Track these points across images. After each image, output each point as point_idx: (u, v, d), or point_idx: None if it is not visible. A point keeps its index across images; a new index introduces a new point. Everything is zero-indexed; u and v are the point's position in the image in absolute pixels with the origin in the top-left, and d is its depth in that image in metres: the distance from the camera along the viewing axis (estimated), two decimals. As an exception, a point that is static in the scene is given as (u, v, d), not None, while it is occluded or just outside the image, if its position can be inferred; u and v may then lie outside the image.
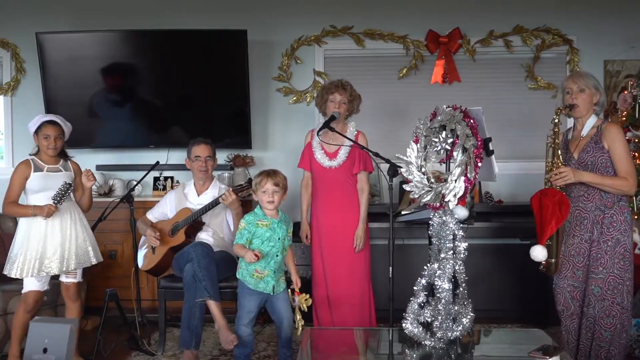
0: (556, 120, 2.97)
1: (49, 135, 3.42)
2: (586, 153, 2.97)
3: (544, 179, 3.01)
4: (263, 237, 3.18)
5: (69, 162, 3.57)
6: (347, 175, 3.70)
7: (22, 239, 3.39)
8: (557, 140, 2.96)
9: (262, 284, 3.20)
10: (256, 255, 3.08)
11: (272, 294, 3.21)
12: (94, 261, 3.54)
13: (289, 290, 3.24)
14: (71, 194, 3.52)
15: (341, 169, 3.68)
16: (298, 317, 3.18)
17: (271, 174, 3.19)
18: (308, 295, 3.21)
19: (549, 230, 2.87)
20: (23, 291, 3.42)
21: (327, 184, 3.70)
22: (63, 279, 3.48)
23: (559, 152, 2.96)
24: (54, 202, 3.30)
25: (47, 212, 3.29)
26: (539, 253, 2.90)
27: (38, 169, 3.43)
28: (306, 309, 3.18)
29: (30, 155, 3.50)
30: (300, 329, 3.16)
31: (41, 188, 3.40)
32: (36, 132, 3.46)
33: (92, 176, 3.51)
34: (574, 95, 2.99)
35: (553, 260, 2.96)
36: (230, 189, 3.63)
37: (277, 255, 3.20)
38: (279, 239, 3.20)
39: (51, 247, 3.39)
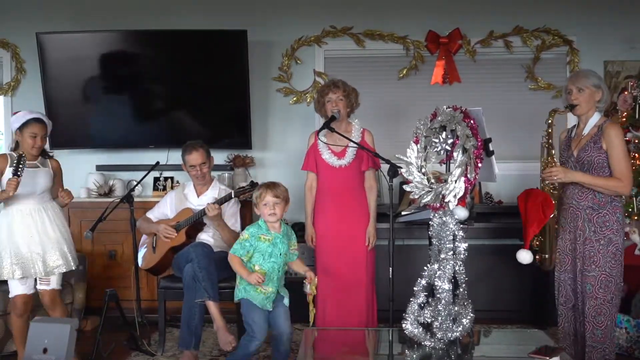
0: (549, 121, 3.04)
1: (37, 133, 3.29)
2: (584, 152, 3.00)
3: (539, 177, 3.06)
4: (265, 252, 3.11)
5: (47, 159, 3.45)
6: (356, 173, 3.68)
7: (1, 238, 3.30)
8: (550, 140, 3.02)
9: (267, 301, 3.13)
10: (259, 277, 3.03)
11: (271, 309, 3.16)
12: (62, 269, 3.34)
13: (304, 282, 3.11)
14: (48, 192, 3.41)
15: (351, 167, 3.66)
16: (311, 306, 3.10)
17: (270, 186, 3.13)
18: (315, 279, 3.11)
19: (530, 232, 2.93)
20: (10, 296, 3.34)
21: (337, 184, 3.67)
22: (37, 285, 3.35)
23: (553, 151, 3.03)
24: (14, 176, 3.12)
25: (10, 187, 3.12)
26: (524, 257, 2.93)
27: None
28: (315, 292, 3.10)
29: (9, 150, 3.39)
30: (313, 317, 3.11)
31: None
32: (20, 128, 3.29)
33: (67, 196, 3.38)
34: (573, 96, 3.03)
35: (546, 255, 3.05)
36: (214, 204, 3.57)
37: (278, 271, 3.14)
38: (280, 254, 3.13)
39: (27, 248, 3.27)
